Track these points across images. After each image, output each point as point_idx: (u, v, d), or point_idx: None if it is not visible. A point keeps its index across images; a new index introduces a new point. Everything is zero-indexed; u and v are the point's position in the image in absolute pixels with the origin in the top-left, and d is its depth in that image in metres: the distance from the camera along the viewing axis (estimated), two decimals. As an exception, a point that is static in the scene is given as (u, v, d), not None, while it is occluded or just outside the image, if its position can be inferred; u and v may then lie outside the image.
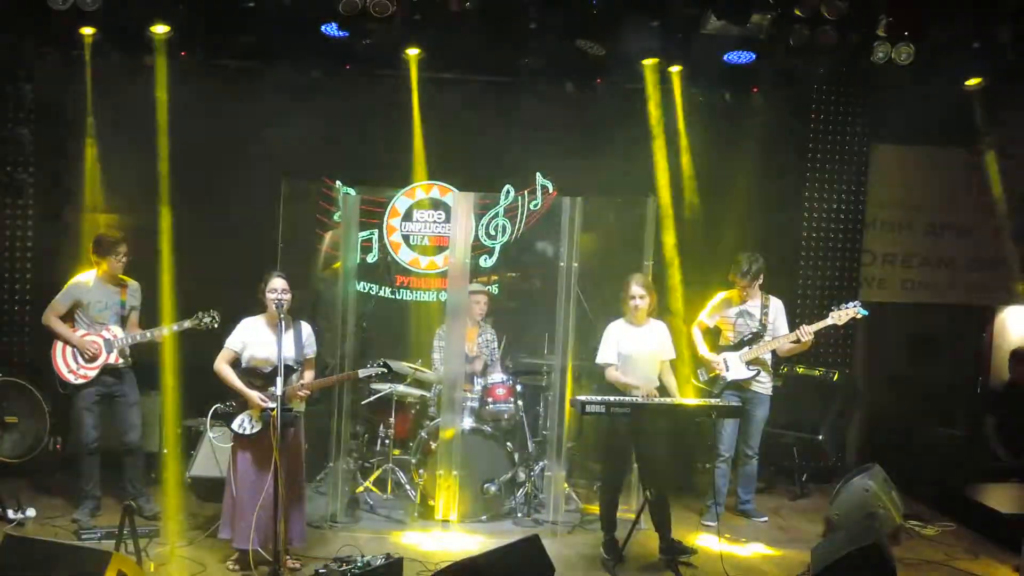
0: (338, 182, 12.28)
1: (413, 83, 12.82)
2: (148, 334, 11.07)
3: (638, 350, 10.69)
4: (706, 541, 11.04)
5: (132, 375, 11.28)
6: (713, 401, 10.99)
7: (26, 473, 12.18)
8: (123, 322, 11.11)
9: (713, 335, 12.01)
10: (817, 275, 14.27)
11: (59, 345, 11.02)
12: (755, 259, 11.65)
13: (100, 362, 10.97)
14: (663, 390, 10.78)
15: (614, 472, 10.76)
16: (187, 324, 10.97)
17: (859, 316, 11.51)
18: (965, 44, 11.92)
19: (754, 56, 12.27)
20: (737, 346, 11.75)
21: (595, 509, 11.26)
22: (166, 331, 11.06)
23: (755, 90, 13.61)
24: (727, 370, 11.70)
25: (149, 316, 11.38)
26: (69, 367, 10.97)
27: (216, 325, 10.80)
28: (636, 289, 10.61)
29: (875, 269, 14.51)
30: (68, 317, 11.06)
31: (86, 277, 11.10)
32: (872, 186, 14.34)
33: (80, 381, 10.98)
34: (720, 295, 11.96)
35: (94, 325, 11.00)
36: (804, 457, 13.32)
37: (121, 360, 11.08)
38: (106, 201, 12.74)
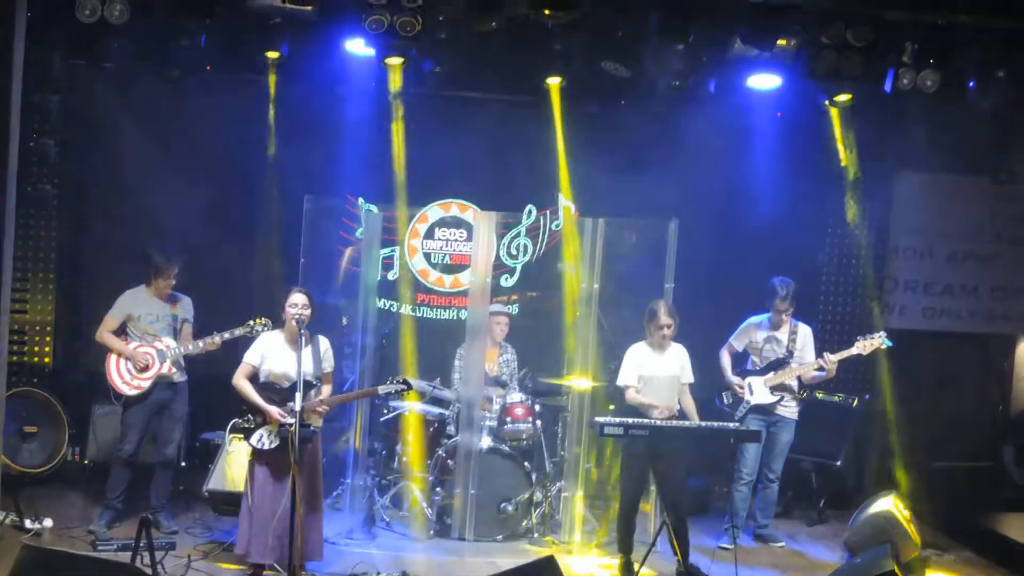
0: (360, 199, 12.30)
1: (435, 102, 12.85)
2: (200, 344, 11.05)
3: (659, 373, 10.72)
4: (723, 565, 11.00)
5: (186, 389, 11.30)
6: (732, 425, 10.97)
7: (44, 483, 12.23)
8: (176, 335, 11.13)
9: (739, 360, 12.01)
10: (839, 301, 14.24)
11: (113, 357, 11.04)
12: (788, 283, 11.65)
13: (153, 372, 10.98)
14: (682, 414, 10.79)
15: (631, 494, 10.77)
16: (239, 332, 10.89)
17: (884, 347, 11.55)
18: (990, 72, 11.91)
19: (779, 82, 12.29)
20: (762, 371, 11.74)
21: (611, 531, 11.26)
22: (218, 339, 11.02)
23: (779, 115, 13.61)
24: (751, 394, 11.69)
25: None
26: (123, 378, 10.98)
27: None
28: (665, 318, 10.65)
29: (897, 296, 14.48)
30: (121, 331, 11.10)
31: (136, 291, 11.15)
32: (895, 213, 14.32)
33: (134, 392, 10.99)
34: (749, 320, 11.97)
35: (145, 337, 11.03)
36: (822, 483, 13.28)
37: (175, 370, 11.10)
38: (130, 213, 12.78)
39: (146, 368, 10.97)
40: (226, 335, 10.97)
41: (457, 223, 12.48)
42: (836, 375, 11.90)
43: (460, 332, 12.20)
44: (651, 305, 10.83)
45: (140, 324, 11.05)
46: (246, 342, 10.28)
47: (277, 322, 10.04)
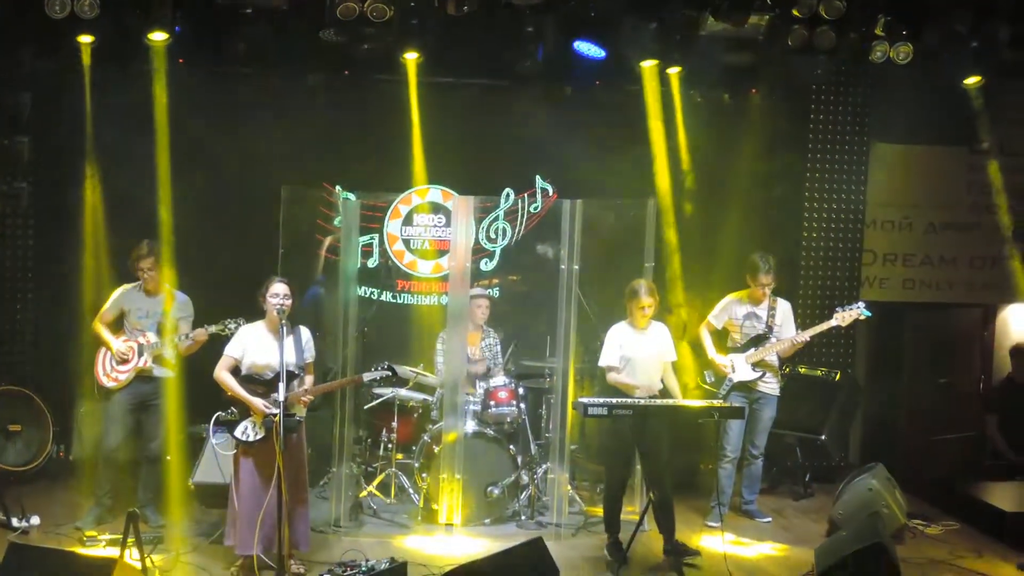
0: (338, 187, 12.30)
1: (412, 88, 12.80)
2: (178, 339, 11.04)
3: (641, 353, 10.71)
4: (710, 542, 11.04)
5: (165, 385, 11.27)
6: (715, 402, 10.95)
7: (30, 481, 12.20)
8: (162, 330, 11.10)
9: (721, 337, 12.00)
10: (818, 275, 14.22)
11: (102, 350, 11.08)
12: (769, 256, 11.64)
13: (131, 366, 10.97)
14: (665, 392, 10.80)
15: (617, 474, 10.78)
16: (212, 329, 10.89)
17: (863, 317, 11.53)
18: (963, 43, 11.92)
19: (752, 58, 12.32)
20: (743, 348, 11.74)
21: (598, 511, 11.28)
22: (199, 333, 11.00)
23: (754, 91, 13.63)
24: (733, 372, 11.68)
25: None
26: (104, 370, 11.03)
27: None
28: (647, 299, 10.62)
29: (876, 269, 14.49)
30: (119, 325, 11.12)
31: (130, 287, 11.17)
32: (872, 186, 14.31)
33: (112, 384, 10.99)
34: (728, 297, 11.95)
35: (133, 332, 11.04)
36: (807, 457, 13.30)
37: (151, 364, 11.05)
38: (106, 209, 12.73)
39: (125, 361, 10.97)
40: (200, 331, 10.96)
41: (436, 208, 12.49)
42: (817, 349, 11.93)
43: (442, 317, 12.19)
44: (631, 285, 10.80)
45: (131, 319, 11.08)
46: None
47: (257, 313, 10.00)
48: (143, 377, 11.05)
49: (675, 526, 10.57)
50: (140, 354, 10.98)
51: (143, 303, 11.10)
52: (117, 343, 10.99)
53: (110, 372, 11.02)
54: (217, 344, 10.40)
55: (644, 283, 10.79)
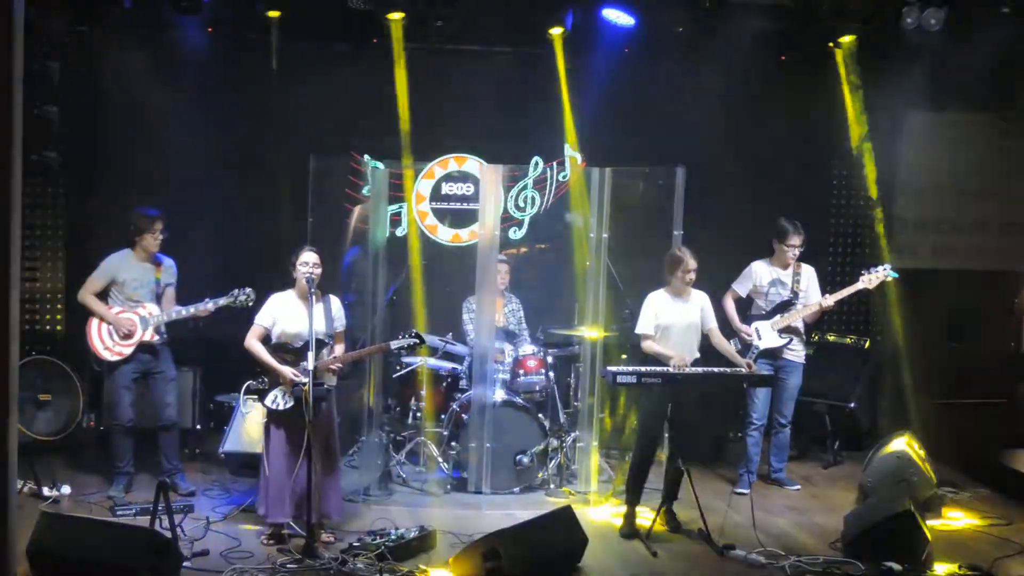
0: (366, 156, 12.26)
1: (441, 56, 12.79)
2: (183, 311, 11.01)
3: (677, 321, 10.57)
4: (739, 509, 11.01)
5: (168, 352, 11.25)
6: (743, 371, 10.87)
7: (61, 450, 12.26)
8: (158, 299, 11.11)
9: (743, 305, 11.96)
10: (847, 243, 14.20)
11: (94, 322, 11.00)
12: (797, 222, 11.59)
13: (135, 339, 10.94)
14: (697, 362, 10.71)
15: (646, 447, 10.69)
16: (223, 301, 10.87)
17: (890, 279, 11.50)
18: (994, 8, 11.84)
19: (783, 24, 12.26)
20: (769, 315, 11.70)
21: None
22: (211, 306, 10.98)
23: (783, 58, 13.56)
24: (759, 339, 11.64)
25: (184, 292, 11.35)
26: (104, 344, 10.97)
27: (251, 303, 10.72)
28: (692, 264, 10.48)
29: (906, 237, 14.41)
30: (103, 295, 11.05)
31: (121, 255, 11.07)
32: (903, 152, 14.24)
33: (115, 358, 10.95)
34: (753, 264, 11.90)
35: (128, 303, 10.98)
36: (836, 425, 13.27)
37: (157, 337, 11.07)
38: (136, 179, 12.76)
39: (129, 335, 10.95)
40: (209, 304, 10.92)
41: (464, 177, 12.46)
42: (848, 317, 11.86)
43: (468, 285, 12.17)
44: (673, 252, 10.65)
45: (125, 290, 11.00)
46: (259, 304, 10.24)
47: (287, 282, 9.98)
48: (144, 346, 11.04)
49: (676, 495, 10.60)
50: (144, 327, 10.96)
51: (136, 272, 11.03)
52: (119, 317, 10.94)
53: (112, 346, 10.96)
54: (236, 314, 10.43)
55: (687, 249, 10.68)
